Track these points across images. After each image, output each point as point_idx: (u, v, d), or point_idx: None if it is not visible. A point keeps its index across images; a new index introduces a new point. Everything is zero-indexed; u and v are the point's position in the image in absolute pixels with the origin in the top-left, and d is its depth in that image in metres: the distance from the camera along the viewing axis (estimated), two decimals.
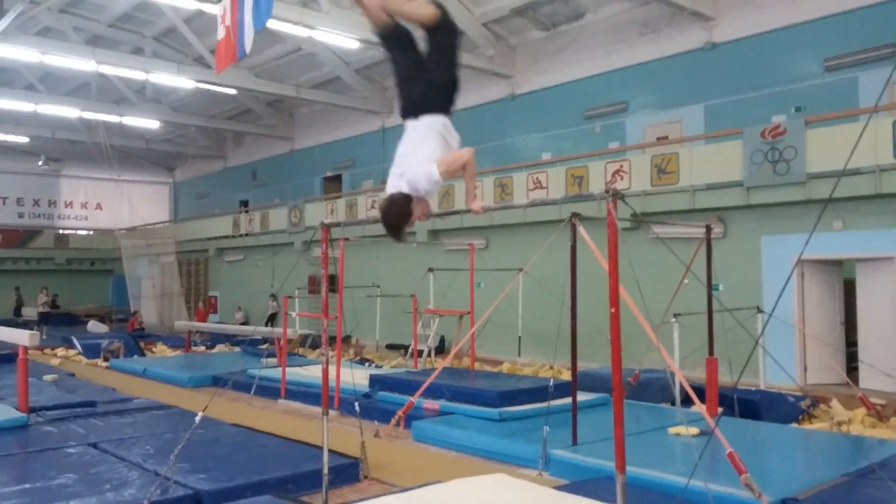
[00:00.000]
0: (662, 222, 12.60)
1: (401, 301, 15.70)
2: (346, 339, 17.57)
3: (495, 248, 17.31)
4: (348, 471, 6.85)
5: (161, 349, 19.91)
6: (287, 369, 12.34)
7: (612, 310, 4.58)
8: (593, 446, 7.19)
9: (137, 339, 19.25)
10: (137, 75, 20.47)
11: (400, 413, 8.65)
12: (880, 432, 8.85)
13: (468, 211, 4.91)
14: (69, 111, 24.26)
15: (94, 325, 25.09)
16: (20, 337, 9.15)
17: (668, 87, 15.89)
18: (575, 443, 7.43)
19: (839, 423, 9.32)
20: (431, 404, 9.66)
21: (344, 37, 16.22)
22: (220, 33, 10.28)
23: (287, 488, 6.31)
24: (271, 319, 22.20)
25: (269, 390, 12.14)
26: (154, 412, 9.85)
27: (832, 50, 13.35)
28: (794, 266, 6.02)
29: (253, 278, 25.30)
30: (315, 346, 18.81)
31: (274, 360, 14.09)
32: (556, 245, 7.77)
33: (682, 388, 8.72)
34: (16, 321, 24.40)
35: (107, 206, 34.29)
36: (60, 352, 18.73)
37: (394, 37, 4.42)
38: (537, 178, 16.00)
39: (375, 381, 11.23)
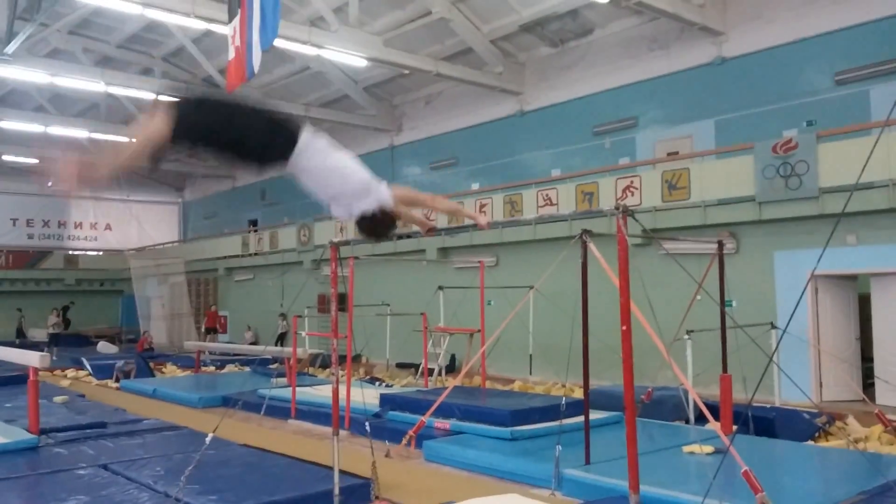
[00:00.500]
0: (674, 238, 12.54)
1: (411, 320, 15.62)
2: (356, 359, 17.51)
3: (505, 265, 17.26)
4: (359, 491, 6.76)
5: (171, 369, 19.88)
6: (297, 389, 12.27)
7: (624, 327, 4.54)
8: (607, 465, 7.09)
9: (147, 360, 19.23)
10: (147, 96, 20.62)
11: (411, 433, 8.58)
12: None
13: (477, 228, 4.86)
14: (79, 132, 24.46)
15: (103, 346, 25.11)
16: (31, 358, 9.14)
17: (678, 102, 15.87)
18: (588, 462, 7.33)
19: (855, 441, 9.18)
20: (442, 423, 9.57)
21: (352, 55, 16.31)
22: (231, 54, 10.37)
23: None
24: (281, 339, 22.17)
25: (279, 410, 12.07)
26: (164, 433, 9.80)
27: (843, 64, 13.31)
28: (807, 281, 5.93)
29: (262, 298, 25.30)
30: (325, 365, 18.74)
31: (284, 380, 14.03)
32: (566, 262, 7.72)
33: (695, 405, 8.63)
34: (16, 344, 24.26)
35: (116, 227, 34.42)
36: (71, 373, 18.72)
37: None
38: (547, 194, 15.97)
39: (386, 401, 11.15)
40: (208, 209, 33.95)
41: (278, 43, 15.29)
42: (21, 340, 26.33)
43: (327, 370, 17.99)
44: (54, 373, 18.45)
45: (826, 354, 11.80)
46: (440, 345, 15.48)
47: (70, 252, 33.63)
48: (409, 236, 19.17)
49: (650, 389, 9.99)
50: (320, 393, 12.49)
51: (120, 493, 6.54)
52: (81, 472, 7.37)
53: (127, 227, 33.54)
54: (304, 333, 17.13)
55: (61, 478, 7.15)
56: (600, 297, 8.30)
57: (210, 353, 21.02)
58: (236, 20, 10.21)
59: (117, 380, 16.92)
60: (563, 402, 8.67)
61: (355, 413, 10.37)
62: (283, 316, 21.95)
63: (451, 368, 16.49)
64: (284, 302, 21.88)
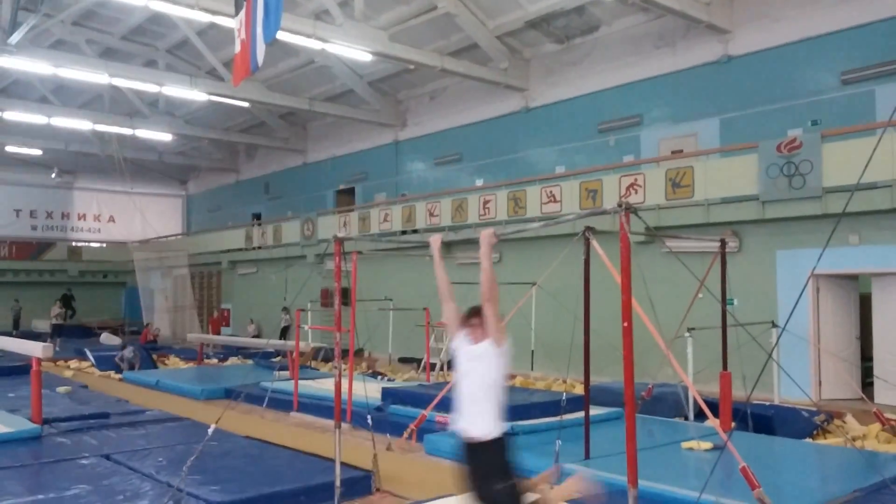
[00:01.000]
0: (676, 236, 12.55)
1: (413, 314, 15.67)
2: (359, 353, 17.54)
3: (508, 261, 17.28)
4: (360, 483, 6.82)
5: (174, 361, 19.95)
6: (299, 382, 12.33)
7: (625, 324, 4.56)
8: (606, 460, 7.13)
9: (150, 352, 19.30)
10: (150, 88, 20.67)
11: (412, 426, 8.64)
12: (895, 448, 8.74)
13: (481, 225, 4.92)
14: (82, 124, 24.49)
15: (106, 338, 25.18)
16: (34, 349, 9.20)
17: (683, 100, 15.87)
18: (587, 457, 7.38)
19: (853, 439, 9.21)
20: (444, 418, 9.60)
21: (357, 49, 16.31)
22: (237, 47, 10.37)
23: (299, 500, 6.29)
24: (284, 332, 22.23)
25: (281, 403, 12.12)
26: (167, 424, 9.86)
27: (849, 63, 13.30)
28: (807, 280, 5.96)
29: (265, 291, 25.35)
30: (328, 359, 18.79)
31: (286, 373, 14.09)
32: (569, 259, 7.75)
33: (695, 402, 8.67)
34: (13, 335, 24.18)
35: (120, 219, 34.48)
36: (74, 363, 18.81)
37: None
38: (551, 191, 15.98)
39: (388, 395, 11.20)
40: (212, 202, 34.00)
41: (283, 37, 15.33)
42: (17, 331, 26.19)
43: (330, 364, 18.05)
44: (57, 363, 18.54)
45: (826, 353, 11.83)
46: (442, 340, 15.52)
47: (73, 244, 33.71)
48: (414, 231, 19.21)
49: (651, 386, 10.03)
50: (323, 386, 12.54)
51: (122, 482, 6.60)
52: (84, 461, 7.44)
53: (130, 220, 33.56)
54: (307, 327, 17.17)
55: (64, 467, 7.22)
56: (602, 294, 8.33)
57: (213, 345, 21.09)
58: (242, 13, 10.19)
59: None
60: (564, 398, 8.71)
61: (357, 406, 10.42)
62: (286, 310, 22.01)
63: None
64: (288, 296, 21.93)
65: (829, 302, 12.40)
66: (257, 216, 29.44)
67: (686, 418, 9.77)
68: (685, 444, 7.92)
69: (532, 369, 14.92)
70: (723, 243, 9.14)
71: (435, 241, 5.04)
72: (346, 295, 13.46)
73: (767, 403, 10.44)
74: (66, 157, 30.20)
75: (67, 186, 33.52)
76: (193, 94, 20.28)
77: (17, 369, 14.78)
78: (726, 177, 13.25)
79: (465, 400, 4.37)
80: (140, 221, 32.62)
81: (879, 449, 8.68)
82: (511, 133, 19.46)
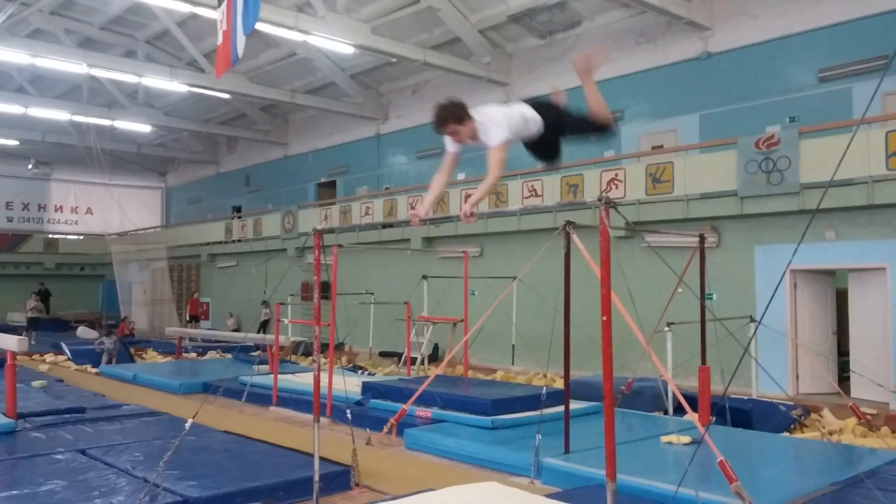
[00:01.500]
0: (656, 231, 12.61)
1: (394, 308, 15.65)
2: (339, 347, 17.50)
3: (490, 255, 17.30)
4: (340, 478, 6.80)
5: (152, 355, 19.79)
6: (279, 376, 12.26)
7: (604, 318, 4.57)
8: (585, 454, 7.16)
9: (128, 345, 19.12)
10: (130, 79, 20.43)
11: (392, 421, 8.62)
12: (871, 441, 8.86)
13: (461, 215, 4.93)
14: (60, 114, 24.17)
15: (83, 331, 24.93)
16: (8, 342, 9.07)
17: (663, 96, 15.94)
18: (567, 451, 7.41)
19: (830, 433, 9.33)
20: (424, 412, 9.61)
21: (339, 42, 16.22)
22: (219, 38, 10.30)
23: (278, 496, 6.26)
24: (263, 326, 22.11)
25: (260, 397, 12.07)
26: (144, 419, 9.78)
27: (826, 61, 13.41)
28: (782, 274, 6.01)
29: (245, 285, 25.21)
30: (307, 353, 18.74)
31: (266, 368, 14.02)
32: (550, 253, 7.76)
33: (674, 396, 8.72)
34: None
35: (97, 211, 34.09)
36: (49, 357, 18.59)
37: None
38: (532, 185, 16.00)
39: (368, 389, 11.18)
40: (192, 194, 33.72)
41: (265, 28, 15.21)
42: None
43: (310, 358, 17.99)
44: (33, 357, 18.33)
45: (803, 348, 11.94)
46: (423, 334, 15.52)
47: (50, 236, 33.31)
48: (391, 226, 19.16)
49: (630, 380, 10.08)
50: (302, 380, 12.49)
51: (98, 478, 6.54)
52: (59, 456, 7.35)
53: (108, 212, 33.22)
54: (286, 321, 17.11)
55: (38, 462, 7.14)
56: (583, 288, 8.36)
57: (191, 339, 20.93)
58: (224, 4, 10.12)
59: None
60: (544, 392, 8.73)
61: (337, 401, 10.40)
62: (266, 303, 21.89)
63: (434, 357, 16.54)
64: (267, 289, 21.81)
65: (806, 297, 12.52)
66: (237, 209, 29.24)
67: (665, 412, 9.83)
68: (664, 438, 7.97)
69: (513, 363, 14.96)
70: (702, 238, 9.20)
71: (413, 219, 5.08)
72: (326, 288, 13.45)
73: (745, 398, 10.55)
74: (43, 148, 29.78)
75: (44, 178, 33.10)
76: (173, 85, 20.07)
77: None
78: (706, 172, 13.33)
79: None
80: (118, 213, 32.31)
81: (856, 443, 8.80)
82: None
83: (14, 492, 6.08)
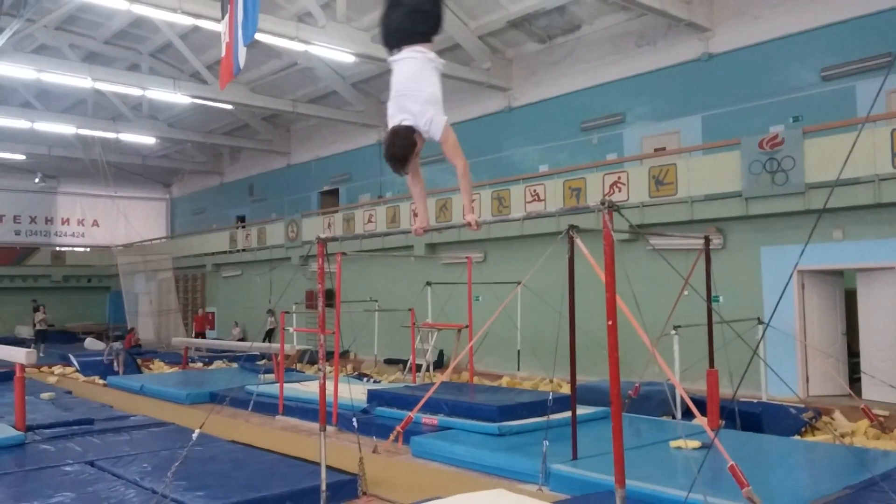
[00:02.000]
0: (660, 234, 12.57)
1: (399, 315, 15.62)
2: (344, 355, 17.49)
3: (493, 261, 17.27)
4: (347, 487, 6.77)
5: (158, 366, 19.80)
6: (285, 385, 12.25)
7: (609, 322, 4.54)
8: (593, 460, 7.12)
9: (135, 356, 19.15)
10: (134, 91, 20.53)
11: (398, 428, 8.59)
12: (883, 444, 8.78)
13: (465, 224, 4.88)
14: (65, 128, 24.34)
15: (91, 343, 24.98)
16: (17, 355, 9.09)
17: (665, 98, 15.92)
18: (575, 457, 7.36)
19: (842, 435, 9.25)
20: (430, 419, 9.58)
21: (340, 51, 16.25)
22: (223, 50, 10.34)
23: None
24: (269, 335, 22.11)
25: (266, 406, 12.05)
26: (151, 429, 9.77)
27: (829, 60, 13.38)
28: (790, 275, 5.98)
29: (250, 294, 25.23)
30: (313, 361, 18.71)
31: (271, 376, 14.00)
32: (554, 257, 7.73)
33: (682, 400, 8.67)
34: None
35: (103, 223, 34.25)
36: (58, 369, 18.61)
37: None
38: (535, 190, 15.99)
39: (374, 397, 11.14)
40: (196, 205, 33.80)
41: (266, 39, 15.26)
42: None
43: (315, 366, 17.97)
44: (41, 369, 18.36)
45: (812, 349, 11.88)
46: (428, 341, 15.49)
47: (57, 248, 33.43)
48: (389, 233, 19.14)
49: (637, 385, 10.03)
50: (308, 389, 12.47)
51: (107, 489, 6.53)
52: (68, 468, 7.35)
53: (114, 223, 33.38)
54: (291, 329, 17.08)
55: (48, 474, 7.13)
56: (588, 292, 8.32)
57: (197, 349, 20.95)
58: (227, 17, 10.17)
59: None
60: (551, 398, 8.70)
61: (343, 409, 10.36)
62: (271, 312, 21.89)
63: (439, 364, 16.50)
64: (272, 298, 21.82)
65: (814, 298, 12.45)
66: (241, 218, 29.29)
67: (673, 417, 9.76)
68: (673, 443, 7.91)
69: (518, 369, 14.92)
70: (707, 240, 9.16)
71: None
72: (330, 296, 13.47)
73: (755, 401, 10.47)
74: (49, 162, 29.96)
75: (51, 191, 33.27)
76: (177, 97, 20.13)
77: (1, 376, 14.61)
78: (709, 174, 13.30)
79: None
80: (124, 225, 32.45)
81: (868, 445, 8.71)
82: (494, 132, 19.45)
83: None
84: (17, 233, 32.86)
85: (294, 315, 18.98)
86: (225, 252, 27.20)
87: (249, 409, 11.98)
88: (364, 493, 6.84)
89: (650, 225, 13.60)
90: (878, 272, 11.65)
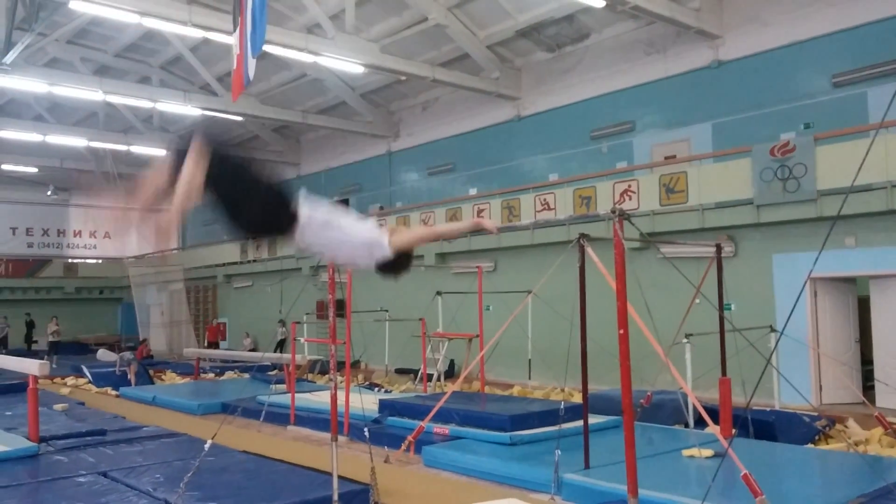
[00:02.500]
0: (671, 242, 12.54)
1: (409, 325, 15.62)
2: (355, 365, 17.49)
3: (503, 270, 17.26)
4: (359, 497, 6.75)
5: (170, 377, 19.85)
6: (296, 395, 12.26)
7: (621, 331, 4.54)
8: (606, 469, 7.08)
9: (147, 367, 19.21)
10: (144, 104, 20.67)
11: (410, 438, 8.57)
12: None
13: (475, 233, 4.86)
14: (77, 141, 24.55)
15: (103, 354, 25.06)
16: (30, 366, 9.14)
17: (674, 105, 15.90)
18: (587, 466, 7.33)
19: (856, 443, 9.17)
20: (442, 429, 9.56)
21: (349, 62, 16.32)
22: (234, 63, 10.45)
23: None
24: (280, 345, 22.14)
25: (278, 417, 12.06)
26: (164, 440, 9.78)
27: (840, 66, 13.33)
28: (804, 283, 5.94)
29: (261, 304, 25.28)
30: (324, 371, 18.71)
31: (283, 387, 14.02)
32: (564, 266, 7.72)
33: (695, 409, 8.62)
34: None
35: (115, 235, 34.44)
36: (70, 381, 18.69)
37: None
38: (545, 199, 15.98)
39: (385, 407, 11.14)
40: (207, 216, 33.80)
41: (276, 50, 15.35)
42: (6, 350, 25.11)
43: (326, 376, 17.98)
44: (54, 381, 18.43)
45: (826, 357, 11.79)
46: (439, 350, 15.47)
47: (69, 260, 33.62)
48: None
49: (649, 393, 9.98)
50: (319, 399, 12.47)
51: (119, 500, 6.53)
52: (81, 479, 7.36)
53: (126, 235, 33.55)
54: (302, 340, 17.11)
55: (61, 485, 7.15)
56: (599, 301, 8.30)
57: (209, 360, 21.00)
58: (238, 30, 10.28)
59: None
60: (562, 407, 8.68)
61: (354, 419, 10.35)
62: (282, 322, 21.91)
63: (450, 374, 16.47)
64: (283, 308, 21.82)
65: (827, 305, 12.38)
66: None
67: (686, 425, 9.72)
68: (686, 452, 7.87)
69: (529, 378, 14.87)
70: (718, 248, 9.13)
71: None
72: (341, 307, 13.51)
73: (768, 409, 10.41)
74: (61, 175, 30.18)
75: (63, 203, 33.46)
76: (187, 109, 20.27)
77: (14, 387, 14.68)
78: (720, 181, 13.26)
79: None
80: (135, 237, 32.59)
81: (882, 453, 8.64)
82: (504, 142, 19.48)
83: None
84: (30, 245, 33.07)
85: (305, 325, 19.00)
86: (236, 263, 27.29)
87: (261, 419, 12.00)
88: (376, 503, 6.83)
89: (661, 233, 13.57)
90: (892, 279, 11.57)
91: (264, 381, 15.84)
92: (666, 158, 15.45)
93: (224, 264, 27.91)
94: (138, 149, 25.39)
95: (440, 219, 18.35)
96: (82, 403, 13.86)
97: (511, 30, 17.30)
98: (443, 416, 9.56)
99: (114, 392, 16.56)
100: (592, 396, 8.92)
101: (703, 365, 10.26)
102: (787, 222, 12.41)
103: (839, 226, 11.56)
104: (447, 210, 18.28)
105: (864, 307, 12.39)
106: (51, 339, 25.20)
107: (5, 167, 28.04)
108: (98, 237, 34.58)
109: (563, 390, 13.41)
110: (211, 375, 19.61)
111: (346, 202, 25.07)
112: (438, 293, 15.22)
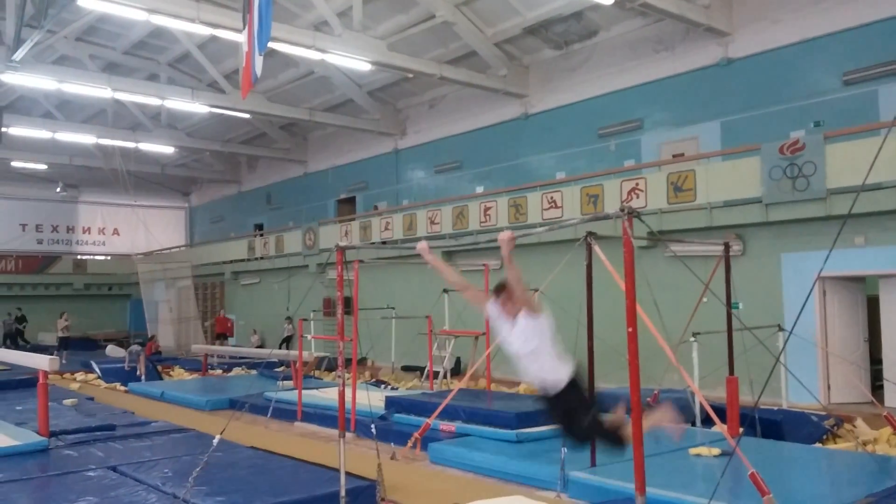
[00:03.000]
0: (679, 240, 12.51)
1: (416, 323, 15.64)
2: (362, 362, 17.52)
3: None
4: (365, 493, 6.78)
5: (178, 372, 19.95)
6: (303, 392, 12.31)
7: (629, 329, 4.54)
8: (612, 467, 7.08)
9: (155, 363, 19.31)
10: (153, 101, 20.71)
11: (416, 435, 8.60)
12: None
13: (482, 232, 4.93)
14: (86, 138, 24.66)
15: (112, 350, 25.17)
16: (40, 362, 9.21)
17: (683, 103, 15.84)
18: (594, 464, 7.33)
19: (864, 443, 9.15)
20: (448, 426, 9.58)
21: (356, 59, 16.33)
22: (242, 61, 10.47)
23: None
24: (287, 342, 22.20)
25: (285, 413, 12.11)
26: (172, 435, 9.84)
27: (850, 64, 13.25)
28: (813, 282, 5.93)
29: (268, 301, 25.35)
30: (331, 368, 18.77)
31: (290, 383, 14.06)
32: (571, 264, 7.72)
33: (702, 408, 8.61)
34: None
35: (124, 232, 34.62)
36: (80, 376, 18.81)
37: None
38: (552, 197, 15.96)
39: (391, 403, 11.17)
40: (215, 213, 34.05)
41: (283, 48, 15.37)
42: (14, 347, 25.03)
43: (333, 373, 18.02)
44: (64, 376, 18.54)
45: (834, 356, 11.75)
46: (445, 347, 15.49)
47: (78, 257, 33.81)
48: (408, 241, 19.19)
49: (656, 391, 9.98)
50: (326, 396, 12.51)
51: (129, 494, 6.58)
52: (91, 473, 7.42)
53: (134, 232, 33.74)
54: (309, 337, 17.16)
55: (70, 479, 7.20)
56: (606, 299, 8.28)
57: (217, 356, 21.08)
58: (246, 27, 10.30)
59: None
60: None
61: (361, 416, 10.39)
62: (290, 319, 21.99)
63: (457, 371, 16.49)
64: (290, 305, 21.91)
65: (835, 304, 12.33)
66: (259, 226, 29.46)
67: (693, 424, 9.71)
68: (693, 451, 7.87)
69: None
70: (726, 247, 9.11)
71: (422, 248, 5.09)
72: (348, 304, 13.53)
73: (776, 408, 10.39)
74: (70, 172, 30.34)
75: (72, 200, 33.65)
76: (195, 106, 20.31)
77: (24, 382, 14.79)
78: (729, 180, 13.20)
79: (530, 365, 4.70)
80: (144, 234, 32.76)
81: (891, 453, 8.62)
82: (511, 139, 19.45)
83: None
84: (40, 241, 33.28)
85: (312, 322, 19.06)
86: (243, 260, 27.36)
87: (269, 415, 12.04)
88: (382, 499, 6.85)
89: (669, 231, 13.53)
90: None
91: (272, 378, 15.90)
92: (674, 156, 15.42)
93: (232, 261, 27.99)
94: (146, 146, 25.50)
95: (447, 216, 18.33)
96: (91, 399, 13.94)
97: (519, 27, 17.26)
98: (449, 414, 9.59)
99: (123, 388, 16.66)
100: (599, 395, 8.91)
101: (710, 363, 10.23)
102: (796, 221, 12.36)
103: (848, 224, 11.47)
104: (453, 208, 18.27)
105: (873, 306, 12.33)
106: (61, 334, 25.32)
107: (15, 164, 28.19)
108: (107, 234, 34.77)
109: None
110: (219, 372, 19.69)
111: (352, 200, 25.15)
112: (445, 291, 15.22)
